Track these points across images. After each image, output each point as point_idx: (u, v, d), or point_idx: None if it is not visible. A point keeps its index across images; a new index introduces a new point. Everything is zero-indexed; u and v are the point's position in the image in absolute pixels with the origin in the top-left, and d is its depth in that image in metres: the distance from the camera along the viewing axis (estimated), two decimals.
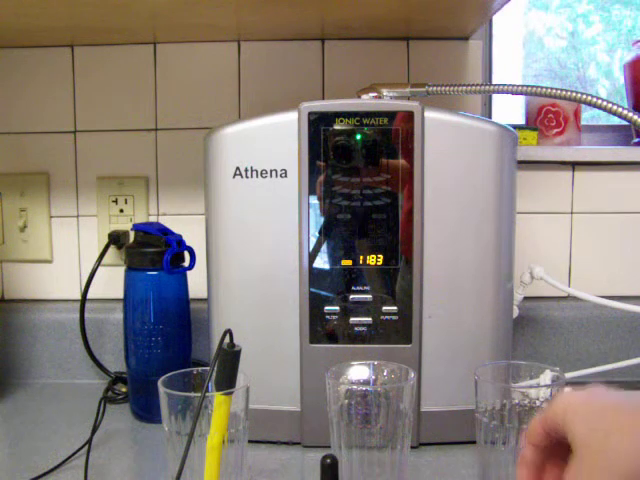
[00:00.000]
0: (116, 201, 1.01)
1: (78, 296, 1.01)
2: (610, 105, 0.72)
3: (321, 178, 0.72)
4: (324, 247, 0.73)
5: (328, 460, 0.54)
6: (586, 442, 0.41)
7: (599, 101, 0.73)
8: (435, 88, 0.79)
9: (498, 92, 0.80)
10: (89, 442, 0.73)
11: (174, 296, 0.85)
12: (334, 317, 0.73)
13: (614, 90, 1.26)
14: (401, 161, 0.71)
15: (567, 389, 0.47)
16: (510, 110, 1.13)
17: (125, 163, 1.01)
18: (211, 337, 0.78)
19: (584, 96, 0.73)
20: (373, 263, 0.73)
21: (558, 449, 0.45)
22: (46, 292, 1.03)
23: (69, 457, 0.72)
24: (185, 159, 1.00)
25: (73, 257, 1.03)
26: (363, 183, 0.72)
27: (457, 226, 0.72)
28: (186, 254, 0.86)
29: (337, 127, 0.71)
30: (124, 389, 0.93)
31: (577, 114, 1.05)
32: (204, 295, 0.79)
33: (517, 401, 0.61)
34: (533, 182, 0.99)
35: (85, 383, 0.99)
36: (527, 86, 0.75)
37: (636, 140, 1.07)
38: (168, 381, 0.61)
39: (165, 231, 0.85)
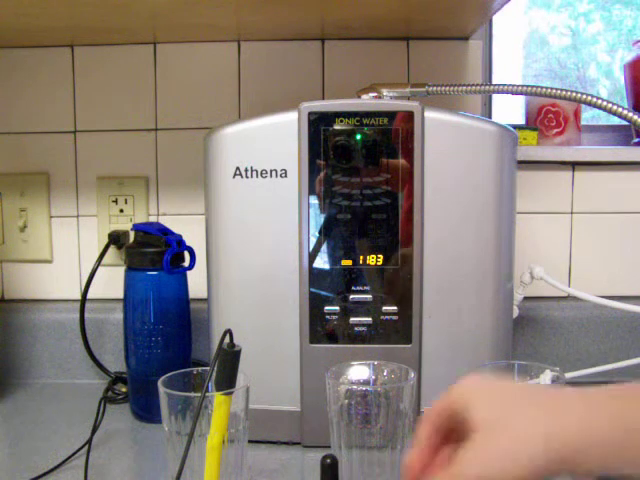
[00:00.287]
0: (116, 201, 1.01)
1: (78, 296, 1.00)
2: (610, 105, 0.72)
3: (321, 178, 0.72)
4: (324, 247, 0.73)
5: (328, 460, 0.54)
6: (486, 425, 0.40)
7: (599, 101, 0.73)
8: (435, 88, 0.79)
9: (498, 92, 0.80)
10: (89, 442, 0.73)
11: (174, 296, 0.85)
12: (334, 317, 0.73)
13: (614, 90, 1.26)
14: (401, 161, 0.71)
15: (471, 376, 0.46)
16: (510, 110, 1.13)
17: (125, 163, 1.01)
18: (211, 337, 0.78)
19: (584, 96, 0.73)
20: (373, 263, 0.73)
21: (454, 433, 0.44)
22: (46, 292, 1.03)
23: (69, 457, 0.72)
24: (185, 159, 1.00)
25: (73, 257, 1.03)
26: (363, 183, 0.72)
27: (457, 226, 0.72)
28: (186, 254, 0.86)
29: (337, 127, 0.71)
30: (124, 389, 0.93)
31: (577, 114, 1.05)
32: (204, 295, 0.79)
33: None
34: (533, 182, 0.99)
35: (85, 383, 0.99)
36: (527, 86, 0.75)
37: (636, 140, 1.07)
38: (168, 381, 0.61)
39: (165, 231, 0.85)
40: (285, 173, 0.73)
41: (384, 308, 0.73)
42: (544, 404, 0.40)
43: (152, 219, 1.02)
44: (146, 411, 0.84)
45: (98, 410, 0.79)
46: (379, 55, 0.99)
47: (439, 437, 0.45)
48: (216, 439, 0.57)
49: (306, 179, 0.72)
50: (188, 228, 0.92)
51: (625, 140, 1.12)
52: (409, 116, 0.71)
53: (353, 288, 0.73)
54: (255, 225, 0.74)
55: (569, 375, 0.87)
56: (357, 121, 0.71)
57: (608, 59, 1.26)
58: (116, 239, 0.97)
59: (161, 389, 0.60)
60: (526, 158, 0.97)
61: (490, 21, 1.04)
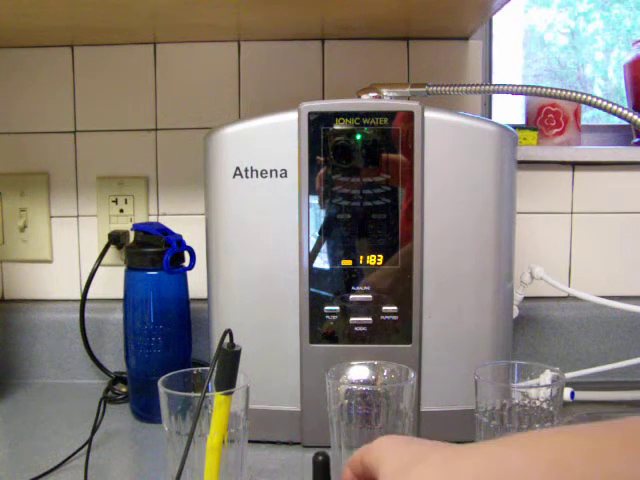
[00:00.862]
0: (116, 201, 1.01)
1: (78, 296, 1.01)
2: (610, 105, 0.72)
3: (321, 178, 0.72)
4: (324, 247, 0.73)
5: (320, 457, 0.54)
6: (390, 476, 0.41)
7: (599, 101, 0.73)
8: (435, 88, 0.79)
9: (498, 92, 0.80)
10: (89, 442, 0.73)
11: (174, 296, 0.85)
12: (334, 317, 0.73)
13: (614, 90, 1.26)
14: (401, 161, 0.71)
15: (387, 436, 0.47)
16: (510, 110, 1.13)
17: (125, 163, 1.01)
18: (211, 337, 0.78)
19: (584, 96, 0.73)
20: (373, 263, 0.73)
21: None
22: (46, 292, 1.03)
23: (69, 457, 0.72)
24: (185, 159, 1.00)
25: (73, 257, 1.03)
26: (363, 183, 0.72)
27: (457, 226, 0.72)
28: (186, 254, 0.86)
29: (337, 127, 0.71)
30: (124, 389, 0.93)
31: (577, 114, 1.05)
32: (204, 295, 0.79)
33: (517, 401, 0.62)
34: (533, 182, 0.99)
35: (85, 383, 0.99)
36: (527, 86, 0.75)
37: (636, 140, 1.07)
38: (168, 381, 0.61)
39: (165, 231, 0.85)
40: (285, 173, 0.73)
41: (384, 308, 0.73)
42: (445, 454, 0.41)
43: (152, 219, 1.02)
44: (146, 411, 0.84)
45: (98, 410, 0.79)
46: (379, 55, 0.99)
47: None
48: (216, 439, 0.57)
49: (306, 179, 0.72)
50: (188, 228, 0.92)
51: (625, 140, 1.12)
52: (409, 116, 0.71)
53: (353, 288, 0.73)
54: (255, 225, 0.74)
55: (569, 375, 0.87)
56: (357, 121, 0.71)
57: (607, 59, 1.26)
58: (116, 239, 0.97)
59: (161, 389, 0.60)
60: (526, 158, 0.97)
61: (490, 21, 1.04)
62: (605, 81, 1.26)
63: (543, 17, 1.24)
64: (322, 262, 0.73)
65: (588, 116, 1.19)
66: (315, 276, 0.73)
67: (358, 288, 0.73)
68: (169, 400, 0.59)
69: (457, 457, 0.40)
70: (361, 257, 0.73)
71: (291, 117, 0.72)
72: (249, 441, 0.62)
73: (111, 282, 1.01)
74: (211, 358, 0.59)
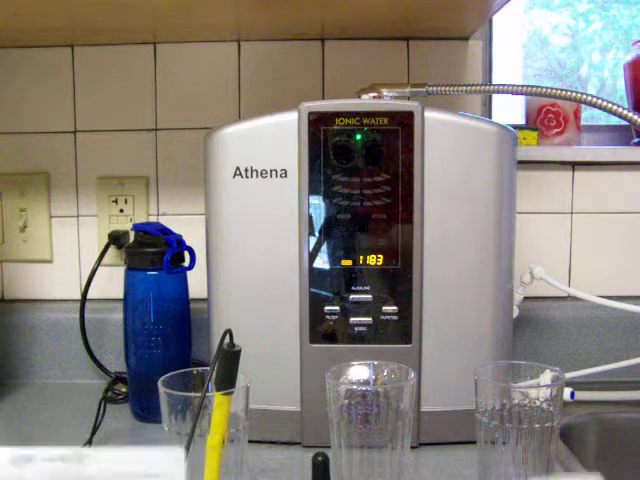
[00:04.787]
0: (116, 201, 1.01)
1: (78, 296, 1.00)
2: (610, 105, 0.72)
3: (321, 178, 0.72)
4: (324, 247, 0.73)
5: (319, 458, 0.54)
6: None
7: (599, 101, 0.73)
8: (435, 88, 0.79)
9: (498, 92, 0.80)
10: (89, 442, 0.73)
11: (174, 296, 0.85)
12: (334, 317, 0.73)
13: (614, 91, 1.26)
14: (401, 161, 0.71)
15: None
16: (510, 110, 1.13)
17: (125, 163, 1.01)
18: (211, 337, 0.78)
19: (584, 96, 0.73)
20: (373, 263, 0.73)
21: None
22: (46, 292, 1.03)
23: None
24: (185, 159, 1.00)
25: (73, 257, 1.03)
26: (363, 183, 0.72)
27: (457, 226, 0.72)
28: (186, 254, 0.86)
29: (337, 127, 0.71)
30: (124, 389, 0.93)
31: (577, 114, 1.05)
32: (204, 295, 0.79)
33: (517, 401, 0.61)
34: (533, 182, 0.99)
35: (85, 383, 0.99)
36: (527, 86, 0.75)
37: (636, 140, 1.07)
38: (168, 381, 0.61)
39: (165, 231, 0.85)
40: (285, 173, 0.73)
41: (384, 308, 0.73)
42: None
43: (152, 219, 1.02)
44: (146, 411, 0.84)
45: (98, 410, 0.79)
46: (379, 55, 0.99)
47: None
48: (216, 439, 0.57)
49: (306, 179, 0.72)
50: (188, 228, 0.92)
51: (625, 140, 1.12)
52: (409, 116, 0.71)
53: (353, 288, 0.73)
54: (255, 225, 0.74)
55: (569, 375, 0.87)
56: (357, 121, 0.71)
57: (605, 59, 1.26)
58: (116, 239, 0.97)
59: (161, 389, 0.60)
60: (526, 158, 0.97)
61: (490, 21, 1.04)
62: (609, 81, 1.26)
63: (544, 18, 1.24)
64: (322, 262, 0.73)
65: (588, 116, 1.19)
66: (315, 276, 0.73)
67: (358, 288, 0.73)
68: (169, 400, 0.59)
69: None
70: (361, 257, 0.73)
71: (291, 117, 0.72)
72: (249, 441, 0.62)
73: (111, 282, 1.01)
74: (211, 358, 0.59)
